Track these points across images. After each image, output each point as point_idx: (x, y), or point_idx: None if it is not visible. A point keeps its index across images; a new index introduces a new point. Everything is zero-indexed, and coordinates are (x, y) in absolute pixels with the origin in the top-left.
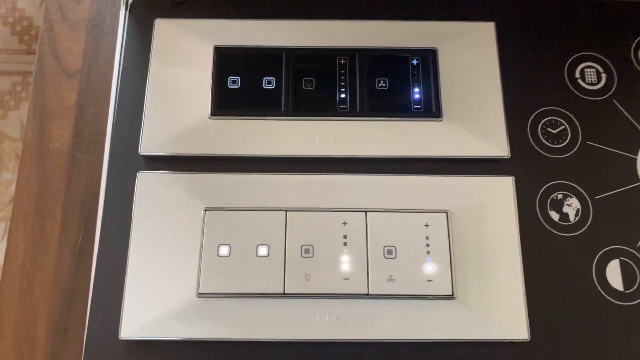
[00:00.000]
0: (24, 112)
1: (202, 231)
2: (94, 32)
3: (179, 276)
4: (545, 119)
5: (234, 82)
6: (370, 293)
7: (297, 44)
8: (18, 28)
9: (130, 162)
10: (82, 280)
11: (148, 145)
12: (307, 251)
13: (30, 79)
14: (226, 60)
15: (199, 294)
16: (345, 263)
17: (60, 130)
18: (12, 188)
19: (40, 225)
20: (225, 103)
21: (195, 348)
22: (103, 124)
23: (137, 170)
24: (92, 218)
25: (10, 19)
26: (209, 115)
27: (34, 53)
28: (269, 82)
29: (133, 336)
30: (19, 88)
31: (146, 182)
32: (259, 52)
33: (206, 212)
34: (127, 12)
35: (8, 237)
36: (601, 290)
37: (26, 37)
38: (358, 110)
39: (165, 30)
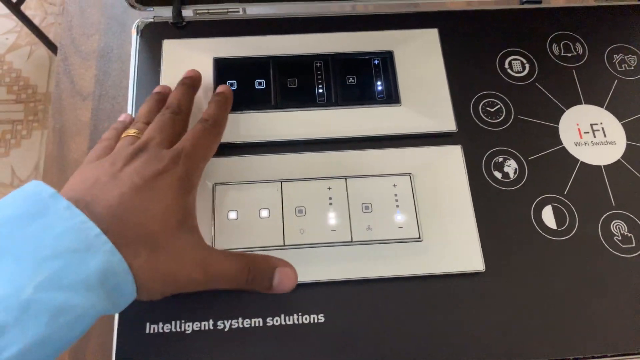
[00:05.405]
0: (14, 158)
1: (213, 202)
2: (103, 60)
3: None
4: (484, 101)
5: (231, 84)
6: (353, 240)
7: (281, 53)
8: (7, 79)
9: None
10: None
11: None
12: (300, 211)
13: (19, 127)
14: (224, 68)
15: None
16: (332, 218)
17: (77, 144)
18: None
19: None
20: None
21: (214, 295)
22: None
23: None
24: None
25: None
26: None
27: (22, 102)
28: (260, 83)
29: None
30: (8, 136)
31: None
32: (251, 60)
33: (215, 186)
34: (139, 36)
35: None
36: (539, 230)
37: (15, 88)
38: (333, 101)
39: (172, 48)
